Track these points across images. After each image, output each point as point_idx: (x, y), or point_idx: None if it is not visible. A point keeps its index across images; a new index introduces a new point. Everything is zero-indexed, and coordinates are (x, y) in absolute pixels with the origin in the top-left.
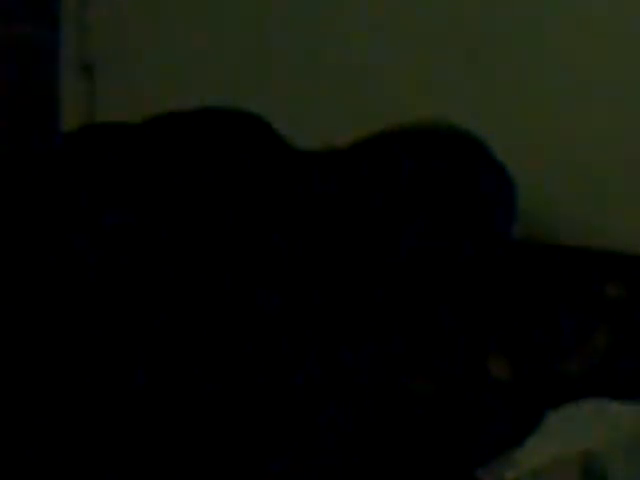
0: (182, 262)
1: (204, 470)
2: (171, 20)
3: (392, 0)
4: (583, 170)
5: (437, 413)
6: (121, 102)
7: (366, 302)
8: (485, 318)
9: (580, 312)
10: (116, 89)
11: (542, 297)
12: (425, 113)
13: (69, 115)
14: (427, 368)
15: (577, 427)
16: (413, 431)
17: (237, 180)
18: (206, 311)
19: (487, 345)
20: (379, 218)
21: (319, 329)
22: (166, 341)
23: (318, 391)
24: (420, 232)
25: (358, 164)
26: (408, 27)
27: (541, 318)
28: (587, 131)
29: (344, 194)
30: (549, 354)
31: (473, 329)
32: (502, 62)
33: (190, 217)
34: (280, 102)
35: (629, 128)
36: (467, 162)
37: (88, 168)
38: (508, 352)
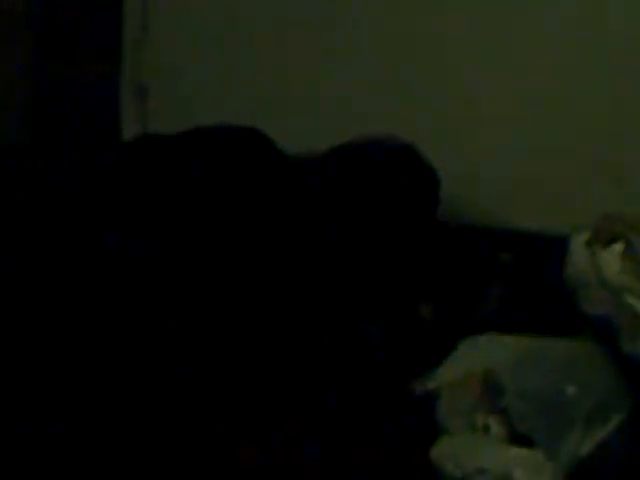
0: (216, 246)
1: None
2: (214, 52)
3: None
4: (484, 176)
5: (385, 343)
6: (169, 119)
7: (335, 272)
8: (416, 278)
9: (481, 272)
10: (165, 108)
11: (457, 262)
12: (378, 129)
13: (127, 128)
14: (378, 313)
15: (480, 352)
16: (369, 356)
17: (243, 177)
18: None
19: (418, 296)
20: (343, 206)
21: (305, 293)
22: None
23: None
24: (367, 215)
25: (329, 166)
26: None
27: (456, 277)
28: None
29: (320, 187)
30: (463, 302)
31: (408, 285)
32: (424, 76)
33: (210, 211)
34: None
35: (521, 143)
36: (403, 165)
37: (136, 174)
38: (433, 301)
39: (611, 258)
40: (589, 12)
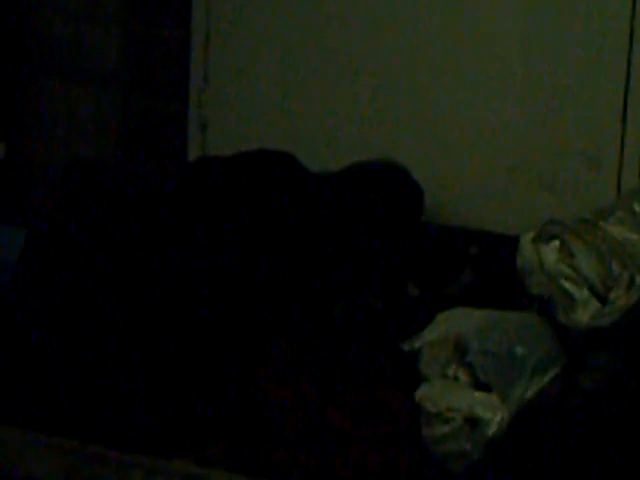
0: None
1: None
2: (258, 97)
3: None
4: (460, 191)
5: (384, 314)
6: (223, 147)
7: (348, 262)
8: (406, 266)
9: (455, 261)
10: (220, 139)
11: (436, 254)
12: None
13: (191, 152)
14: (379, 291)
15: (453, 321)
16: (373, 323)
17: (275, 192)
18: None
19: (406, 277)
20: (352, 214)
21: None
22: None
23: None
24: (369, 221)
25: (342, 182)
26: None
27: (435, 265)
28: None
29: (334, 197)
30: (439, 283)
31: (400, 271)
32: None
33: (251, 222)
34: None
35: (486, 166)
36: (397, 183)
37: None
38: (418, 281)
39: (550, 252)
40: (528, 62)
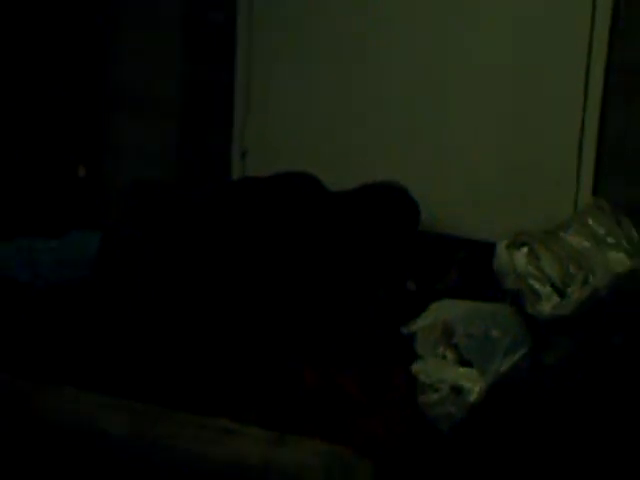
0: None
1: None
2: (292, 129)
3: None
4: (452, 207)
5: (388, 305)
6: (259, 170)
7: (358, 265)
8: (406, 266)
9: (444, 263)
10: (257, 165)
11: (430, 257)
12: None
13: (234, 174)
14: (383, 285)
15: (442, 310)
16: (379, 311)
17: (299, 211)
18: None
19: (406, 276)
20: (362, 226)
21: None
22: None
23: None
24: (376, 231)
25: (354, 199)
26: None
27: (429, 266)
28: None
29: (348, 215)
30: (431, 280)
31: (401, 270)
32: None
33: (279, 236)
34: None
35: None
36: (399, 200)
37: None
38: (415, 279)
39: (520, 256)
40: (503, 104)
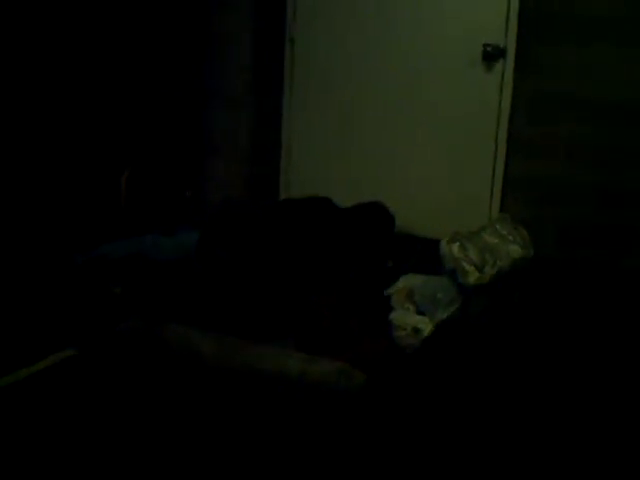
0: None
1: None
2: (319, 167)
3: None
4: (412, 215)
5: (376, 276)
6: (297, 192)
7: (357, 252)
8: (384, 254)
9: (410, 251)
10: (296, 190)
11: (399, 250)
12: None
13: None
14: (372, 265)
15: (408, 280)
16: (370, 281)
17: (314, 225)
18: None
19: (386, 258)
20: (358, 229)
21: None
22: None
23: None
24: (367, 233)
25: (353, 212)
26: None
27: (398, 254)
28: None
29: (349, 223)
30: (402, 262)
31: (381, 256)
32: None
33: (299, 239)
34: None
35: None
36: (381, 212)
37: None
38: (391, 260)
39: (455, 247)
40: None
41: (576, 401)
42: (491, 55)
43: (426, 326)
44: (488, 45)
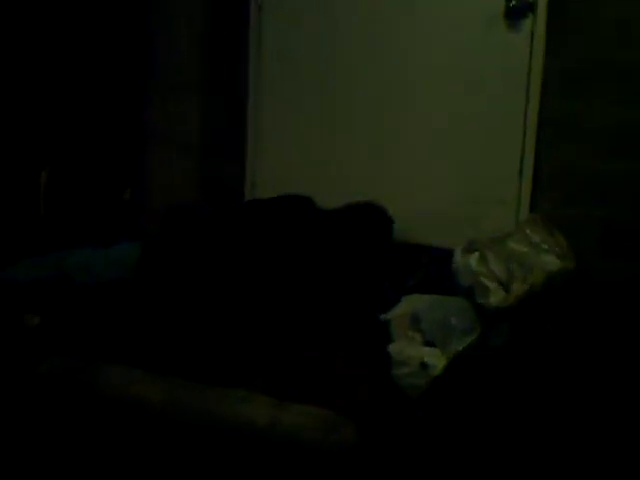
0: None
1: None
2: (292, 164)
3: None
4: (415, 220)
5: (370, 298)
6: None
7: (346, 266)
8: (382, 269)
9: (412, 266)
10: (265, 192)
11: (401, 261)
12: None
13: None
14: (366, 283)
15: (412, 302)
16: (363, 304)
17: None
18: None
19: (383, 275)
20: (348, 236)
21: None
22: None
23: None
24: (359, 241)
25: (342, 215)
26: None
27: (400, 268)
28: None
29: (336, 228)
30: (403, 280)
31: (379, 273)
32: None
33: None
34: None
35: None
36: (377, 215)
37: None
38: (390, 278)
39: (473, 259)
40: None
41: (627, 466)
42: (516, 10)
43: (436, 361)
44: None
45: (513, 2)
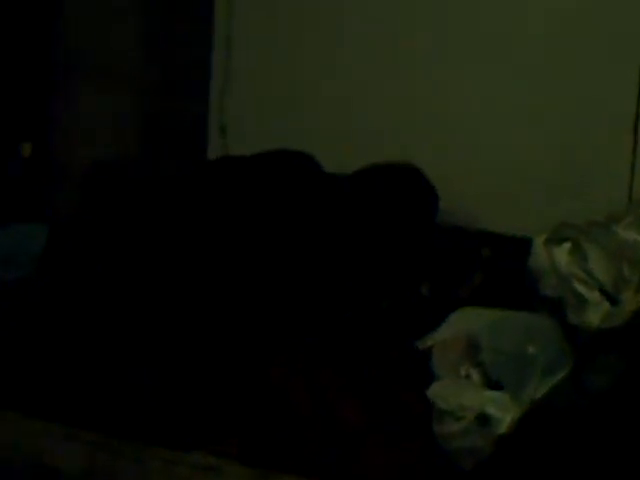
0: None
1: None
2: (281, 99)
3: None
4: (473, 190)
5: (398, 313)
6: (241, 149)
7: (362, 261)
8: (419, 266)
9: (468, 263)
10: (242, 144)
11: (449, 254)
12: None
13: (211, 155)
14: (390, 290)
15: (465, 321)
16: (386, 323)
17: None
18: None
19: (420, 278)
20: (367, 215)
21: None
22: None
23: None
24: (384, 222)
25: (358, 183)
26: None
27: (450, 264)
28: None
29: (349, 202)
30: (453, 285)
31: (413, 271)
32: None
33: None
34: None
35: (503, 169)
36: (413, 185)
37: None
38: (430, 282)
39: (562, 254)
40: (544, 70)
41: None
42: None
43: (504, 412)
44: None
45: None
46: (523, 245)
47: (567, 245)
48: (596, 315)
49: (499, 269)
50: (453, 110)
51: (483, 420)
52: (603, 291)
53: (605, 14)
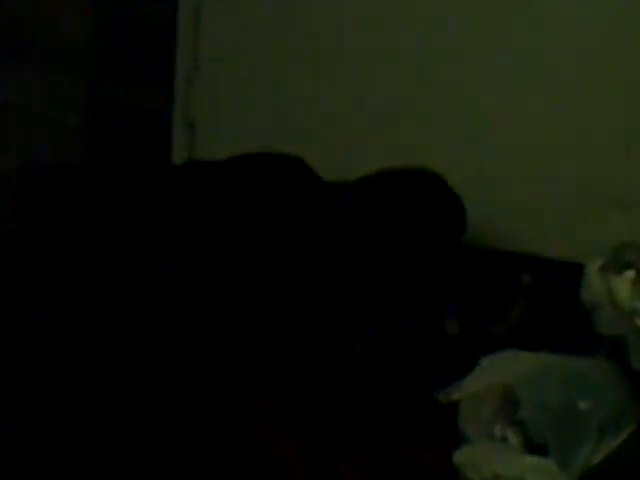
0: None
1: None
2: (259, 89)
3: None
4: (508, 207)
5: (415, 355)
6: (215, 150)
7: (370, 288)
8: (443, 296)
9: (505, 292)
10: (211, 140)
11: (481, 282)
12: (406, 159)
13: (176, 156)
14: (409, 326)
15: (500, 367)
16: (400, 364)
17: (279, 201)
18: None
19: (443, 311)
20: (376, 231)
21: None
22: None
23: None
24: (397, 241)
25: (364, 193)
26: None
27: (480, 296)
28: (519, 173)
29: (354, 216)
30: (485, 319)
31: (435, 303)
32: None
33: (252, 227)
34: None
35: (542, 177)
36: (433, 195)
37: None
38: (457, 316)
39: (623, 283)
40: (597, 52)
41: None
42: None
43: None
44: None
45: None
46: (572, 271)
47: (629, 273)
48: None
49: (543, 301)
50: (487, 105)
51: None
52: None
53: None
